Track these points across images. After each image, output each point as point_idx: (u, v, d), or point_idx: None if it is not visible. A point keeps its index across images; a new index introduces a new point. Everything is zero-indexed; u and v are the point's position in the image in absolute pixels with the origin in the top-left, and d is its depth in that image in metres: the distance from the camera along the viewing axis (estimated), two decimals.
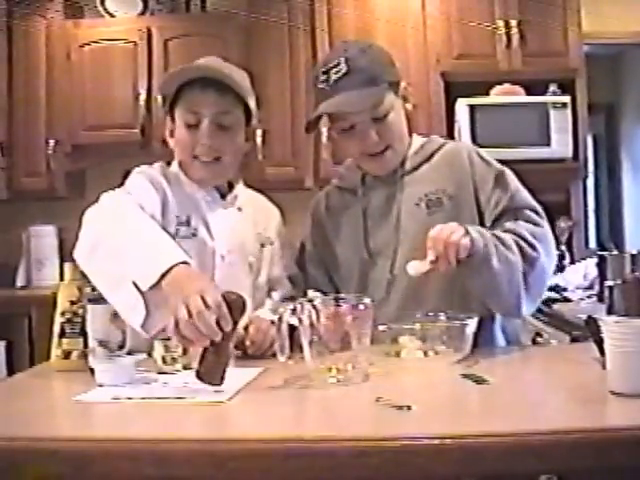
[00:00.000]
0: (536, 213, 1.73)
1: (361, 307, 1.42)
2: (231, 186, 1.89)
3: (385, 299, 1.73)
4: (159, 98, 3.81)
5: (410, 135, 1.85)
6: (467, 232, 1.57)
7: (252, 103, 1.83)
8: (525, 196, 1.76)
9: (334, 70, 1.71)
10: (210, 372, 1.34)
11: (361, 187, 1.85)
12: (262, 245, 1.88)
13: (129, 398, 1.33)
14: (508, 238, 1.64)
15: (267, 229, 1.91)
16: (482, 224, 1.72)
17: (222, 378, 1.34)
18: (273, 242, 1.90)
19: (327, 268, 1.88)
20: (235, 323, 1.37)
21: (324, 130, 3.87)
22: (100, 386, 1.41)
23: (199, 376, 1.34)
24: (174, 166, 1.84)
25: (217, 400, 1.29)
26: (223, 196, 1.86)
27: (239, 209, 1.87)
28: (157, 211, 1.70)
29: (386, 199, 1.81)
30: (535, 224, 1.70)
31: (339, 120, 1.75)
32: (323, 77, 1.73)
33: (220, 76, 1.74)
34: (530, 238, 1.66)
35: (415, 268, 1.57)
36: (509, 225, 1.69)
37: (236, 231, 1.83)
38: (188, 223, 1.76)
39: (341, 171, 1.93)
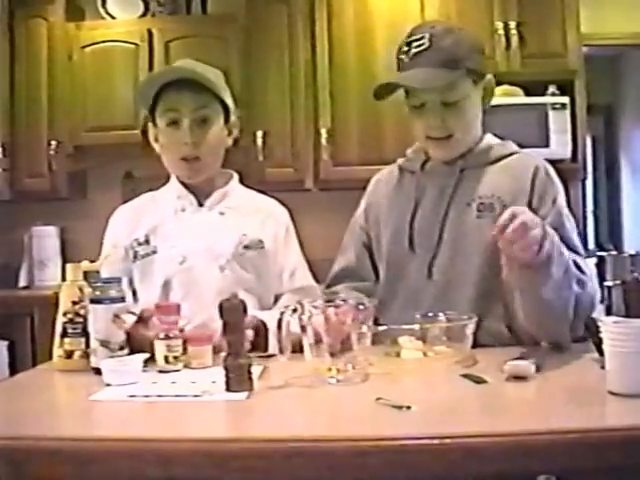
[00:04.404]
0: (580, 258, 1.66)
1: (361, 308, 1.43)
2: (213, 188, 1.93)
3: (416, 300, 1.73)
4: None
5: (484, 132, 1.81)
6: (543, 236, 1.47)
7: (228, 99, 1.89)
8: (576, 239, 1.69)
9: (416, 44, 1.69)
10: (237, 381, 1.34)
11: (420, 173, 1.82)
12: (247, 247, 1.87)
13: (146, 396, 1.34)
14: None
15: (259, 232, 1.90)
16: None
17: (250, 380, 1.35)
18: (263, 246, 1.89)
19: (371, 251, 1.87)
20: (239, 325, 1.37)
21: (324, 131, 3.91)
22: (108, 385, 1.42)
23: (230, 389, 1.34)
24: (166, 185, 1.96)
25: (236, 397, 1.31)
26: (203, 203, 1.91)
27: (221, 213, 1.90)
28: (122, 244, 1.89)
29: (440, 191, 1.77)
30: (578, 268, 1.62)
31: (411, 96, 1.73)
32: (405, 48, 1.71)
33: (194, 76, 1.81)
34: (579, 275, 1.59)
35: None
36: None
37: (203, 234, 1.86)
38: (147, 242, 1.86)
39: (408, 152, 1.89)
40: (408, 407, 1.18)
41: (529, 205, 1.69)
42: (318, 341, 1.42)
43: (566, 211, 1.72)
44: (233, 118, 1.93)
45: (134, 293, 1.88)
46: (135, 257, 1.87)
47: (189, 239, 1.85)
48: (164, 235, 1.87)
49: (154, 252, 1.86)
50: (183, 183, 1.92)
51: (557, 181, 1.76)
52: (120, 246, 1.89)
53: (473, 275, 1.70)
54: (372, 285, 1.85)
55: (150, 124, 1.90)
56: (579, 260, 1.63)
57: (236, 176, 2.00)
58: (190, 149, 1.83)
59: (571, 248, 1.65)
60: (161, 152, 1.91)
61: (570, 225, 1.71)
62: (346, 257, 1.90)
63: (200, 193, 1.92)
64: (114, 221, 1.97)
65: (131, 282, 1.88)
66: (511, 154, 1.80)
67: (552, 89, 3.78)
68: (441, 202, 1.76)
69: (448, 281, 1.72)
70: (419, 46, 1.69)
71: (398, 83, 1.73)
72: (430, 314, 1.62)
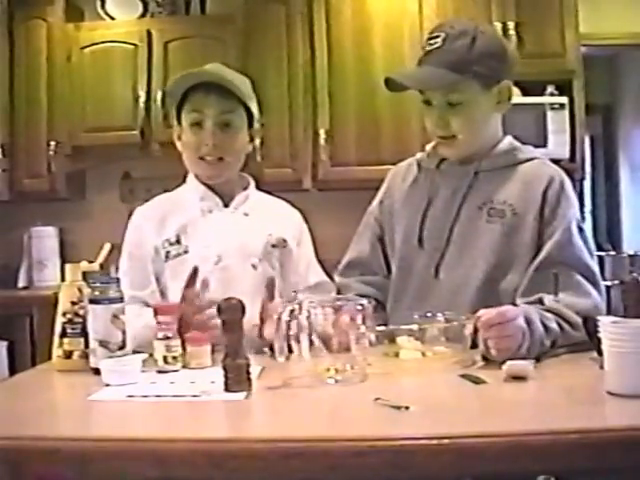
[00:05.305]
0: (588, 279, 1.64)
1: (359, 308, 1.43)
2: (234, 191, 1.96)
3: (424, 299, 1.73)
4: (158, 100, 3.85)
5: (504, 135, 1.80)
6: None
7: (253, 106, 1.94)
8: (585, 257, 1.66)
9: (431, 41, 1.71)
10: (236, 381, 1.34)
11: (435, 172, 1.82)
12: (274, 246, 1.93)
13: (144, 396, 1.35)
14: (554, 326, 1.56)
15: (281, 231, 1.96)
16: (538, 250, 1.67)
17: (249, 380, 1.35)
18: (287, 245, 1.95)
19: (384, 244, 1.88)
20: (238, 325, 1.37)
21: (322, 131, 3.91)
22: (107, 385, 1.42)
23: (228, 389, 1.34)
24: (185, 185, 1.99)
25: (235, 397, 1.31)
26: (227, 204, 1.95)
27: (245, 214, 1.95)
28: (152, 243, 1.89)
29: (453, 192, 1.76)
30: (585, 292, 1.63)
31: (420, 92, 1.75)
32: (424, 44, 1.74)
33: (222, 81, 1.86)
34: (573, 317, 1.58)
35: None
36: (550, 304, 1.60)
37: (234, 234, 1.91)
38: (178, 242, 1.89)
39: (427, 148, 1.88)
40: (407, 407, 1.18)
41: (541, 216, 1.68)
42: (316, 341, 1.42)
43: (576, 228, 1.69)
44: (256, 125, 1.97)
45: (162, 293, 1.89)
46: (167, 257, 1.88)
47: (221, 239, 1.89)
48: (195, 235, 1.90)
49: (186, 252, 1.88)
50: (205, 185, 1.95)
51: (571, 194, 1.73)
52: (148, 246, 1.90)
53: (477, 278, 1.70)
54: (383, 279, 1.86)
55: (175, 122, 1.95)
56: (576, 297, 1.61)
57: (253, 181, 2.03)
58: (211, 149, 1.88)
59: (579, 269, 1.64)
60: (182, 150, 1.95)
61: (580, 243, 1.68)
62: (359, 248, 1.91)
63: (222, 195, 1.95)
64: (137, 222, 1.96)
65: (158, 281, 1.89)
66: (526, 160, 1.77)
67: (550, 89, 3.78)
68: (453, 203, 1.76)
69: (453, 282, 1.73)
70: (432, 44, 1.71)
71: (395, 79, 1.73)
72: (429, 314, 1.62)
